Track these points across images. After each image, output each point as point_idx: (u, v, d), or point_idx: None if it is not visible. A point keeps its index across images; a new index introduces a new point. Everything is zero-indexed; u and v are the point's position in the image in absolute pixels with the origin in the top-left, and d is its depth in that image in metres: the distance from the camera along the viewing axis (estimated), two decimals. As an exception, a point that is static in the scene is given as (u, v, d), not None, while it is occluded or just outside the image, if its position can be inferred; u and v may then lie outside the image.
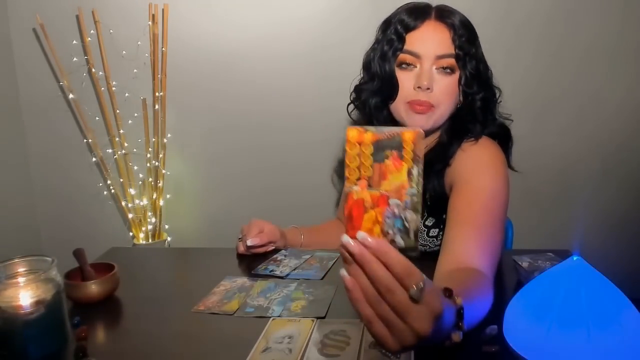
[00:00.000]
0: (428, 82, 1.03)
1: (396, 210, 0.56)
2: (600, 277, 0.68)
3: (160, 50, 1.80)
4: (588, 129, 1.86)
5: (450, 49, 1.04)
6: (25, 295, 0.76)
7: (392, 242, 0.56)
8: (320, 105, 1.85)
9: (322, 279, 1.02)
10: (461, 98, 1.08)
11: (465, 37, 1.05)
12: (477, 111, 1.08)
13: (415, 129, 0.56)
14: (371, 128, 0.57)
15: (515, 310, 0.72)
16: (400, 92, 1.06)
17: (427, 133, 1.10)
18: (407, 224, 0.56)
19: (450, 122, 1.11)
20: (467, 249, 0.88)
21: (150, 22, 1.78)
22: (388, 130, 0.56)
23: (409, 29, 1.06)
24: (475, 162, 1.04)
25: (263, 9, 1.81)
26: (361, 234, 0.53)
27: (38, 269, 0.81)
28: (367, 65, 1.13)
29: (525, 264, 0.97)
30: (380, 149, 0.57)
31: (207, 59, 1.85)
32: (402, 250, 0.54)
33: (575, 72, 1.82)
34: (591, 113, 1.85)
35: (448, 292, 0.64)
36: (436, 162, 1.08)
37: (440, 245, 0.98)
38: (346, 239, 0.54)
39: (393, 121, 1.11)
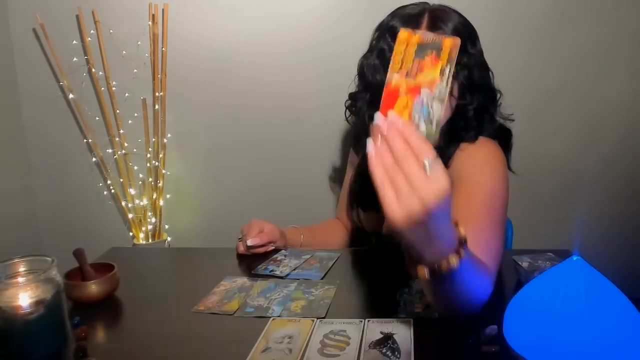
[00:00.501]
0: None
1: (425, 99, 0.67)
2: (600, 277, 0.68)
3: (160, 50, 1.80)
4: (588, 129, 1.86)
5: None
6: (25, 295, 0.76)
7: (417, 127, 0.66)
8: (321, 104, 1.85)
9: (322, 279, 1.02)
10: (453, 106, 1.06)
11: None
12: (470, 119, 1.07)
13: (454, 38, 0.67)
14: (419, 31, 0.69)
15: (515, 310, 0.72)
16: None
17: None
18: (431, 114, 0.66)
19: (446, 126, 1.09)
20: (472, 246, 0.88)
21: (150, 22, 1.78)
22: (432, 36, 0.68)
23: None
24: (475, 161, 1.04)
25: (263, 9, 1.81)
26: (392, 114, 0.65)
27: (38, 269, 0.81)
28: (361, 73, 1.12)
29: (525, 264, 0.97)
30: (422, 49, 0.68)
31: (207, 59, 1.85)
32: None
33: (575, 71, 1.81)
34: (591, 113, 1.85)
35: (454, 222, 0.70)
36: None
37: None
38: (379, 115, 0.65)
39: None
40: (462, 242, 0.70)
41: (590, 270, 0.68)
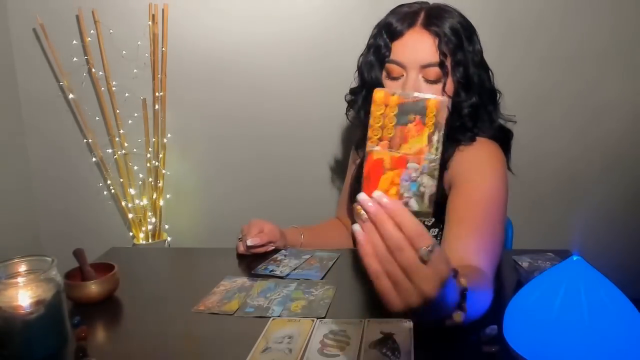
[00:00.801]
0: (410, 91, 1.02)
1: (413, 174, 0.58)
2: (600, 277, 0.68)
3: (160, 50, 1.80)
4: (588, 128, 1.86)
5: (435, 58, 1.01)
6: (25, 295, 0.76)
7: (406, 204, 0.58)
8: (321, 104, 1.85)
9: (322, 279, 1.02)
10: (449, 105, 1.05)
11: (453, 44, 1.02)
12: (465, 118, 1.06)
13: (439, 97, 0.58)
14: (397, 91, 0.59)
15: (515, 310, 0.72)
16: None
17: None
18: (422, 189, 0.58)
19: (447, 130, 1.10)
20: (467, 247, 0.88)
21: (150, 22, 1.78)
22: (414, 96, 0.58)
23: (394, 37, 1.04)
24: (474, 162, 1.03)
25: (263, 9, 1.81)
26: (377, 193, 0.56)
27: (38, 269, 0.81)
28: (359, 70, 1.14)
29: (525, 264, 0.97)
30: (404, 113, 0.58)
31: (207, 59, 1.85)
32: (415, 214, 0.56)
33: (574, 71, 1.82)
34: (591, 113, 1.85)
35: (454, 272, 0.64)
36: None
37: (440, 244, 0.98)
38: (363, 196, 0.56)
39: None
40: (464, 295, 0.66)
41: (590, 270, 0.68)
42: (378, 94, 0.59)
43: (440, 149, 0.58)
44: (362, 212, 0.56)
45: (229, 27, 1.83)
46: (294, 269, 1.07)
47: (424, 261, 0.54)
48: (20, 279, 0.78)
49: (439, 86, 1.03)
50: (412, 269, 0.54)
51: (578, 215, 1.87)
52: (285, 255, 1.15)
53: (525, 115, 1.81)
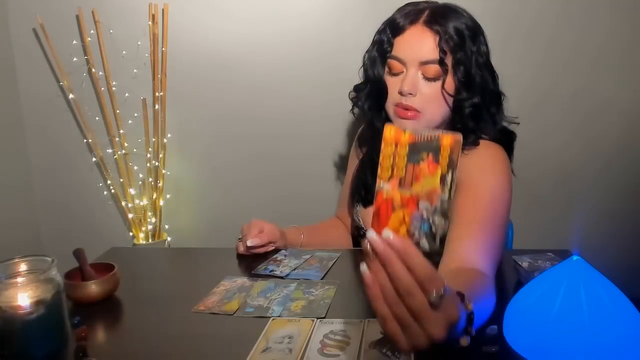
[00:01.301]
0: (409, 88, 1.02)
1: (425, 214, 0.56)
2: (600, 277, 0.68)
3: (160, 50, 1.80)
4: (588, 129, 1.86)
5: (435, 55, 1.01)
6: (25, 295, 0.76)
7: (417, 244, 0.55)
8: (321, 104, 1.85)
9: (322, 279, 1.02)
10: (450, 104, 1.05)
11: (454, 42, 1.02)
12: (467, 118, 1.06)
13: (455, 134, 0.55)
14: (409, 129, 0.56)
15: (515, 310, 0.72)
16: (389, 96, 1.07)
17: None
18: (434, 229, 0.55)
19: (446, 128, 1.09)
20: (469, 249, 0.88)
21: (150, 22, 1.78)
22: (427, 133, 0.56)
23: (397, 32, 1.05)
24: (479, 165, 1.03)
25: (263, 9, 1.81)
26: (387, 232, 0.53)
27: (38, 269, 0.81)
28: (364, 67, 1.15)
29: (525, 264, 0.97)
30: (416, 151, 0.56)
31: (207, 59, 1.85)
32: (426, 255, 0.54)
33: (575, 73, 1.82)
34: (591, 114, 1.85)
35: (460, 296, 0.64)
36: None
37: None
38: (372, 234, 0.53)
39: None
40: (471, 319, 0.65)
41: (590, 270, 0.68)
42: (389, 131, 0.56)
43: (453, 189, 0.55)
44: (370, 250, 0.53)
45: (229, 27, 1.83)
46: (294, 269, 1.07)
47: (434, 307, 0.52)
48: (20, 279, 0.78)
49: (438, 84, 1.03)
50: (422, 314, 0.52)
51: (578, 215, 1.87)
52: (285, 255, 1.15)
53: (526, 116, 1.80)
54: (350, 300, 0.96)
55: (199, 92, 1.88)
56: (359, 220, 1.26)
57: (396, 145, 0.56)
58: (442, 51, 1.01)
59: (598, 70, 1.81)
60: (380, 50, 1.08)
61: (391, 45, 1.06)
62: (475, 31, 1.06)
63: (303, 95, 1.87)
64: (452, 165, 0.55)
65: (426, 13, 1.05)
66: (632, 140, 1.86)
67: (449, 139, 0.55)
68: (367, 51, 1.14)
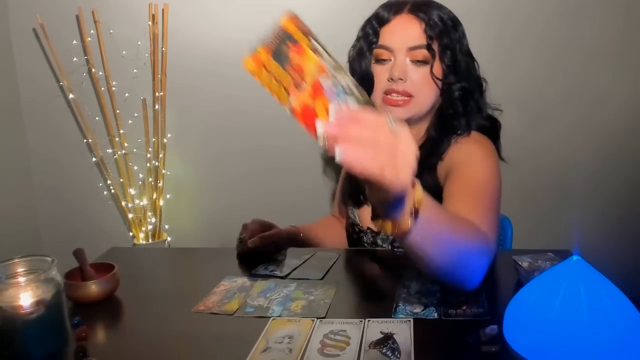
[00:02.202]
0: (399, 73, 1.06)
1: (332, 85, 0.58)
2: (600, 277, 0.68)
3: (160, 50, 1.80)
4: (588, 129, 1.86)
5: (422, 40, 1.06)
6: (25, 295, 0.76)
7: (348, 107, 0.58)
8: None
9: (322, 279, 1.02)
10: (439, 88, 1.10)
11: (439, 28, 1.07)
12: (457, 102, 1.10)
13: (285, 14, 0.58)
14: (258, 46, 0.58)
15: (515, 310, 0.72)
16: (376, 85, 1.10)
17: (412, 126, 1.12)
18: (347, 87, 0.58)
19: (436, 116, 1.14)
20: (468, 216, 0.87)
21: (150, 22, 1.78)
22: (271, 36, 0.58)
23: (382, 22, 1.10)
24: (469, 151, 1.07)
25: (263, 8, 1.80)
26: (319, 122, 0.57)
27: (38, 269, 0.81)
28: (350, 61, 1.18)
29: (525, 264, 0.97)
30: (278, 54, 0.58)
31: (207, 59, 1.85)
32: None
33: (575, 72, 1.82)
34: (591, 113, 1.85)
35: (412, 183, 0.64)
36: (429, 158, 1.10)
37: None
38: (320, 128, 0.57)
39: None
40: (419, 206, 0.66)
41: (590, 270, 0.68)
42: (248, 64, 0.58)
43: (328, 48, 0.57)
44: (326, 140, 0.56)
45: (229, 27, 1.83)
46: (294, 269, 1.07)
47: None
48: (20, 279, 0.78)
49: (426, 69, 1.08)
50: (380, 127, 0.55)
51: (578, 215, 1.87)
52: (285, 255, 1.15)
53: (528, 117, 1.82)
54: (350, 300, 0.96)
55: (199, 92, 1.88)
56: (354, 217, 1.27)
57: (265, 68, 0.58)
58: (429, 37, 1.06)
59: (601, 74, 1.81)
60: (367, 42, 1.12)
61: (377, 35, 1.11)
62: (455, 21, 1.11)
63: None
64: (307, 34, 0.58)
65: (409, 4, 1.10)
66: (634, 142, 1.86)
67: (285, 19, 0.58)
68: (352, 46, 1.17)
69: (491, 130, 1.15)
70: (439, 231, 0.72)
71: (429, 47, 1.06)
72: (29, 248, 1.89)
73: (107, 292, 0.95)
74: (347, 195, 1.29)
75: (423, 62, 1.07)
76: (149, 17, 1.78)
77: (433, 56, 1.07)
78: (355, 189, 1.25)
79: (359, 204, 1.25)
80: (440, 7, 1.11)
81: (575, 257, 0.69)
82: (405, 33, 1.07)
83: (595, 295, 0.65)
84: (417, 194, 0.65)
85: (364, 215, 1.25)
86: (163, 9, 1.78)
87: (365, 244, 1.23)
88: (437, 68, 1.08)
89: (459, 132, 1.10)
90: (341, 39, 1.78)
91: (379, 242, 1.20)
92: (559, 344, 0.64)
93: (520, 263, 0.97)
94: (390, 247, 1.18)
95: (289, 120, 2.05)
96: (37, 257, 0.83)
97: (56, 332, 0.80)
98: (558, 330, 0.65)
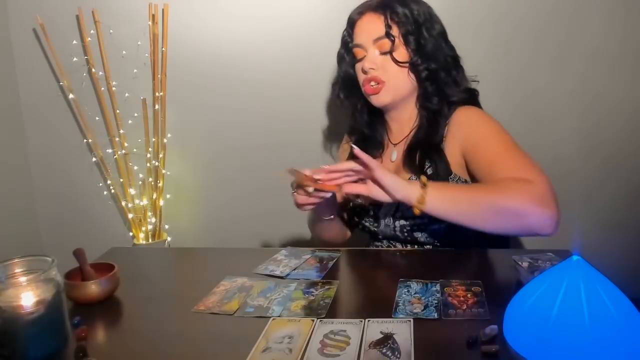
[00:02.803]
0: (369, 64, 1.18)
1: None
2: (600, 277, 0.68)
3: (160, 50, 1.80)
4: (588, 129, 1.85)
5: (383, 31, 1.17)
6: (25, 295, 0.76)
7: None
8: (322, 104, 1.85)
9: (322, 279, 1.02)
10: (409, 72, 1.18)
11: (398, 17, 1.17)
12: (425, 83, 1.19)
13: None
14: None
15: (515, 310, 0.72)
16: (359, 80, 1.22)
17: (402, 108, 1.23)
18: None
19: (420, 99, 1.22)
20: (513, 174, 1.02)
21: (150, 22, 1.78)
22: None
23: (353, 25, 1.23)
24: (469, 126, 1.16)
25: (263, 8, 1.81)
26: (306, 171, 0.95)
27: (38, 269, 0.81)
28: (338, 64, 1.31)
29: (525, 264, 0.97)
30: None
31: (207, 59, 1.85)
32: None
33: (575, 72, 1.81)
34: (592, 113, 1.84)
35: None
36: (431, 139, 1.18)
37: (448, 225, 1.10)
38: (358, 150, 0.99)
39: (369, 111, 1.29)
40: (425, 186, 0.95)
41: (590, 270, 0.68)
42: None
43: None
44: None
45: (229, 27, 1.83)
46: (294, 269, 1.07)
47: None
48: (20, 279, 0.78)
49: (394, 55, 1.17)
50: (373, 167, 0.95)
51: (578, 215, 1.87)
52: (285, 255, 1.15)
53: (528, 116, 1.82)
54: (350, 300, 0.96)
55: (199, 92, 1.88)
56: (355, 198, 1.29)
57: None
58: (388, 26, 1.17)
59: (602, 74, 1.80)
60: (345, 45, 1.26)
61: (351, 37, 1.24)
62: (424, 7, 1.21)
63: (304, 95, 1.86)
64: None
65: (375, 3, 1.21)
66: (634, 141, 1.86)
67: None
68: (337, 52, 1.29)
69: (471, 100, 1.22)
70: (453, 194, 0.99)
71: (388, 35, 1.16)
72: (29, 248, 1.89)
73: (107, 292, 0.95)
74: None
75: (389, 51, 1.17)
76: (149, 17, 1.78)
77: (393, 41, 1.16)
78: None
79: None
80: (407, 2, 1.19)
81: (575, 257, 0.69)
82: (369, 28, 1.19)
83: (595, 295, 0.65)
84: (422, 178, 0.93)
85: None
86: (163, 9, 1.78)
87: (365, 222, 1.24)
88: (402, 52, 1.17)
89: (442, 108, 1.19)
90: (340, 39, 1.79)
91: (381, 216, 1.21)
92: (559, 344, 0.64)
93: (520, 263, 0.97)
94: (392, 220, 1.21)
95: (289, 120, 2.07)
96: (37, 257, 0.83)
97: (56, 332, 0.80)
98: (558, 330, 0.65)
